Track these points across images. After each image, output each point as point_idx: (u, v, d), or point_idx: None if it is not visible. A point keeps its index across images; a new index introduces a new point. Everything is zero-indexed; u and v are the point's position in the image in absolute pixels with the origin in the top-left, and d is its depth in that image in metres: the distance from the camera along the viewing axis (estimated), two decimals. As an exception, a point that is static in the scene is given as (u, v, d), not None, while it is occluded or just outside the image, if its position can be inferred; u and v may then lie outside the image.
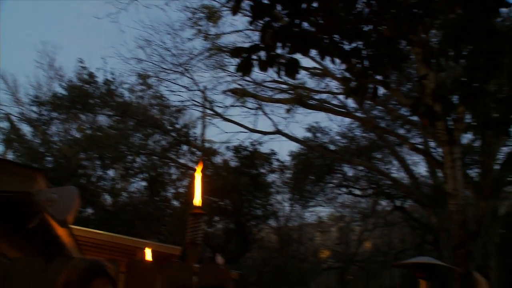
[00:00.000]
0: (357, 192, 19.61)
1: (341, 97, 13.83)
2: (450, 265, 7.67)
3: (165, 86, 16.77)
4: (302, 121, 22.47)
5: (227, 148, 17.57)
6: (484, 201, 7.76)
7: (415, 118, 11.46)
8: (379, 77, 3.78)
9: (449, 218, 8.87)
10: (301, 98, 11.67)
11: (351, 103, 14.08)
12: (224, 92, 15.01)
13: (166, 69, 15.91)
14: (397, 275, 23.64)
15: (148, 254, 4.92)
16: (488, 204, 8.86)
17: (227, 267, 3.51)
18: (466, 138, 13.88)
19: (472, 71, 3.17)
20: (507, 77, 4.67)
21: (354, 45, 3.62)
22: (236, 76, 13.75)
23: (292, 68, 3.36)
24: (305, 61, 17.59)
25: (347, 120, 17.01)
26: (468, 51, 3.15)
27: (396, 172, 17.44)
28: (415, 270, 6.37)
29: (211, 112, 16.20)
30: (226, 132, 27.47)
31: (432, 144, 14.08)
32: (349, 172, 18.37)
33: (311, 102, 13.24)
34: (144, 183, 19.13)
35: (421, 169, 19.80)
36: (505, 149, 11.86)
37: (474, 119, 3.73)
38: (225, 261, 3.69)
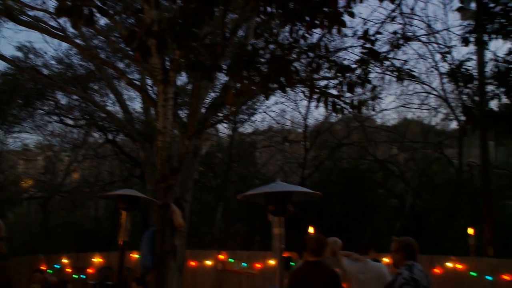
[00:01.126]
0: (69, 121, 18.91)
1: (61, 20, 12.82)
2: (151, 197, 8.04)
3: None
4: (11, 38, 20.29)
5: None
6: (188, 140, 8.31)
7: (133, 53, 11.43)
8: (96, 2, 3.63)
9: (156, 153, 9.24)
10: (10, 11, 10.35)
11: (71, 28, 13.22)
12: None
13: None
14: (101, 206, 24.01)
15: None
16: (191, 143, 9.49)
17: None
18: (181, 80, 14.65)
19: (185, 14, 3.28)
20: (219, 25, 5.02)
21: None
22: None
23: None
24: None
25: (65, 45, 16.06)
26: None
27: (111, 105, 17.39)
28: (118, 201, 6.46)
29: None
30: None
31: (149, 81, 14.38)
32: (63, 100, 17.50)
33: (24, 18, 11.89)
34: None
35: (136, 105, 20.21)
36: (212, 94, 12.91)
37: (183, 59, 3.92)
38: None
